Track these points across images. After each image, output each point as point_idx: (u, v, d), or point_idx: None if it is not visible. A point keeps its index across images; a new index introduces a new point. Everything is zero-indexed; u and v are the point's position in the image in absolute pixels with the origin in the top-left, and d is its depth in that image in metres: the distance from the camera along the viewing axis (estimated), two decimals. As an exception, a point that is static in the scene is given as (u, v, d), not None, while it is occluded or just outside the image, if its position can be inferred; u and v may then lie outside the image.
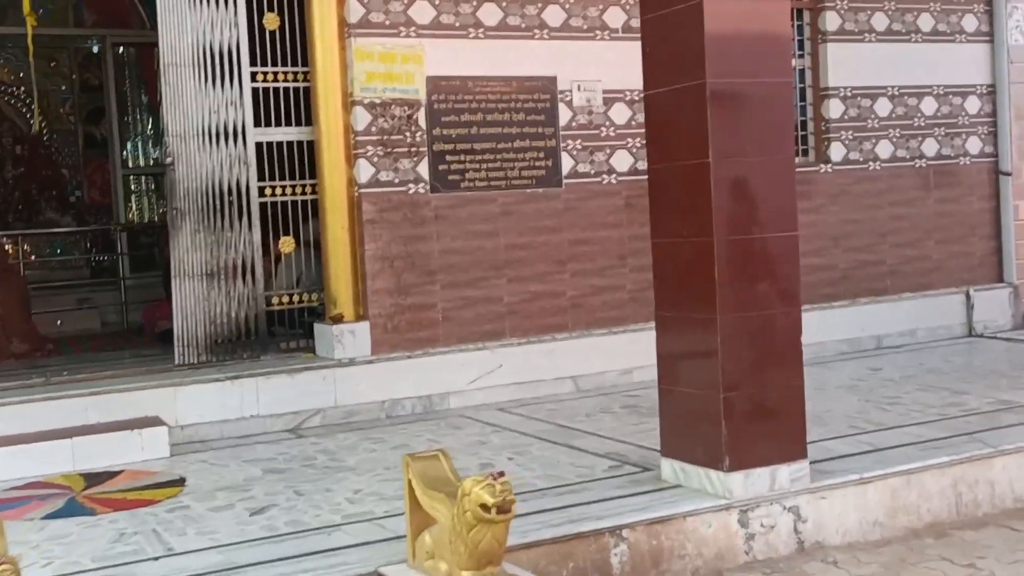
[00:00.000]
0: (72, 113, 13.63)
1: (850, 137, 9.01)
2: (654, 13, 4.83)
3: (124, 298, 10.53)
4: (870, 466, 5.04)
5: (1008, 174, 9.69)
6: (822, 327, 8.76)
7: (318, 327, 7.20)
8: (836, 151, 8.94)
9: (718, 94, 4.56)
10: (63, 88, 13.64)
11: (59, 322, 10.41)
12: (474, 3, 7.41)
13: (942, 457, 5.13)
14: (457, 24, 7.37)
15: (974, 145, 9.60)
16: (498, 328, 7.59)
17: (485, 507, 3.46)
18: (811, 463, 5.05)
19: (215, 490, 5.27)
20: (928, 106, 9.35)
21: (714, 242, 4.57)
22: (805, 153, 9.01)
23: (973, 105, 9.57)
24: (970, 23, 9.52)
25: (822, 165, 8.90)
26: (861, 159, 9.06)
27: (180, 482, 5.46)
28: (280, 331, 7.36)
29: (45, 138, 13.47)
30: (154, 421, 6.23)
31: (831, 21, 8.88)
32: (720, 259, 4.58)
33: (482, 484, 3.49)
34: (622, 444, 5.83)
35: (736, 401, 4.62)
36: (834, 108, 8.92)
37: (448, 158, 7.36)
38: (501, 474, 3.52)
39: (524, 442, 6.06)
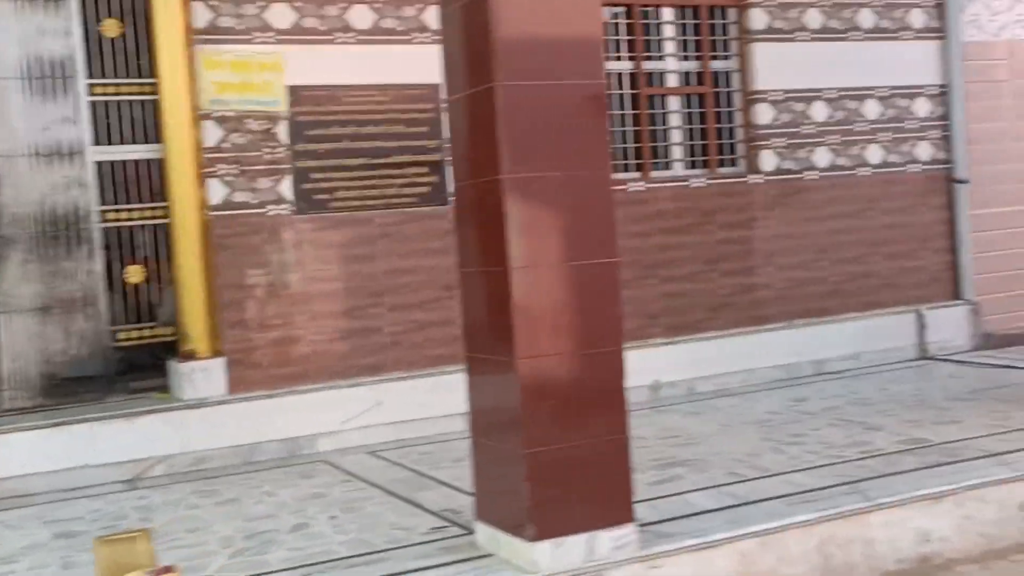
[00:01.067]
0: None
1: (783, 144, 8.30)
2: (448, 8, 4.18)
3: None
4: (720, 526, 4.34)
5: (963, 182, 8.94)
6: (752, 353, 8.09)
7: (171, 365, 6.59)
8: (767, 160, 8.24)
9: (512, 100, 3.89)
10: None
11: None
12: (342, 5, 6.79)
13: (807, 514, 4.42)
14: (322, 28, 6.75)
15: (924, 151, 8.85)
16: (378, 362, 6.94)
17: (142, 611, 2.81)
18: (657, 523, 4.42)
19: (-20, 561, 4.65)
20: (871, 109, 8.63)
21: (509, 272, 3.90)
22: (733, 163, 8.31)
23: (923, 107, 8.83)
24: (917, 18, 8.79)
25: (752, 175, 8.20)
26: (796, 168, 8.35)
27: (-49, 550, 4.84)
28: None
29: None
30: (-37, 474, 5.63)
31: (758, 19, 8.19)
32: (518, 292, 3.91)
33: (141, 583, 2.84)
34: (469, 498, 5.14)
35: (542, 458, 3.93)
36: (764, 113, 8.22)
37: (314, 176, 6.74)
38: (167, 570, 2.87)
39: (365, 496, 5.40)
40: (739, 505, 4.66)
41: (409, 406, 6.89)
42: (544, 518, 3.94)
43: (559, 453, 3.96)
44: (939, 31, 8.87)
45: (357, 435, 6.72)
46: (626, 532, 4.08)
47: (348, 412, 6.71)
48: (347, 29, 6.82)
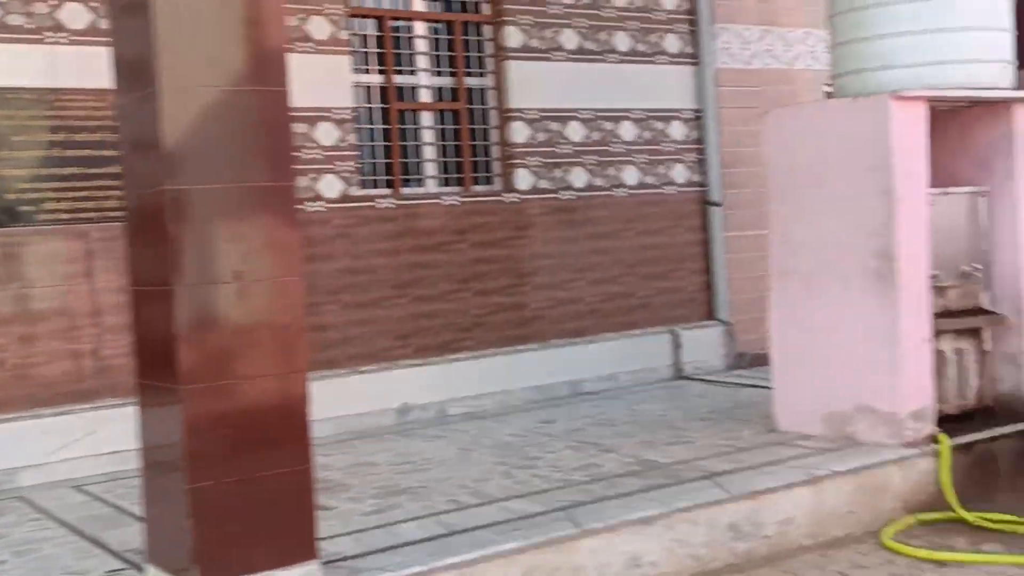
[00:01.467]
0: None
1: (539, 163, 8.22)
2: (114, 8, 3.81)
3: None
4: (421, 558, 4.09)
5: (717, 204, 9.12)
6: (508, 373, 7.94)
7: None
8: (523, 178, 8.13)
9: (177, 105, 3.53)
10: None
11: None
12: (52, 3, 6.24)
13: (513, 542, 4.22)
14: (29, 26, 6.17)
15: (680, 173, 8.98)
16: (93, 387, 6.37)
17: None
18: (352, 558, 4.15)
19: None
20: (627, 131, 8.68)
21: (174, 291, 3.53)
22: (488, 181, 8.17)
23: (678, 131, 8.97)
24: (672, 44, 8.92)
25: (507, 194, 8.07)
26: (552, 187, 8.28)
27: None
28: None
29: None
30: None
31: (513, 37, 8.09)
32: (183, 313, 3.54)
33: None
34: (164, 536, 4.70)
35: (209, 494, 3.57)
36: (519, 131, 8.11)
37: (18, 186, 6.14)
38: None
39: (48, 536, 4.87)
40: (447, 535, 4.41)
41: (127, 435, 6.27)
42: (210, 559, 3.57)
43: (229, 488, 3.61)
44: (693, 57, 9.04)
45: (65, 468, 6.14)
46: (309, 570, 3.76)
47: (54, 443, 6.11)
48: (59, 28, 6.26)
